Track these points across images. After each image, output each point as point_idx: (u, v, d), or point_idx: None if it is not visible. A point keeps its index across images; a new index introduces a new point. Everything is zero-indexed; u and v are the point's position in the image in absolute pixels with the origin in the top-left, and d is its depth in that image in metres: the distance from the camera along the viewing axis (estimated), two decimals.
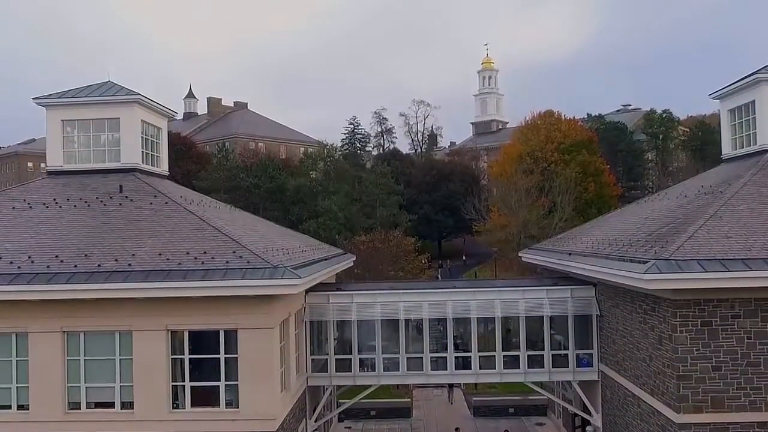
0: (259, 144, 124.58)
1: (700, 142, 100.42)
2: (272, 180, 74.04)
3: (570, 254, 26.11)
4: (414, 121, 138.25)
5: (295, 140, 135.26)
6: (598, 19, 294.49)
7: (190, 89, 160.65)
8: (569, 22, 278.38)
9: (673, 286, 17.29)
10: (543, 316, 24.95)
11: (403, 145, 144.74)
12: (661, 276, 16.99)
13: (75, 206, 23.58)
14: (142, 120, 26.41)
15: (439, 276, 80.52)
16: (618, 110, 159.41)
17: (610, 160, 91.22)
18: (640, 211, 27.15)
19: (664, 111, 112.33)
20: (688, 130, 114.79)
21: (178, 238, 20.97)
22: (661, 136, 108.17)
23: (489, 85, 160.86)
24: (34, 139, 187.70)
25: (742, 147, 27.02)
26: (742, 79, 26.83)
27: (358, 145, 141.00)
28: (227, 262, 19.35)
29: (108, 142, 26.19)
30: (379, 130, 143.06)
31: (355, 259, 36.76)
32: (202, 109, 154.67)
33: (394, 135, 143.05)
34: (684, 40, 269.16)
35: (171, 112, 29.37)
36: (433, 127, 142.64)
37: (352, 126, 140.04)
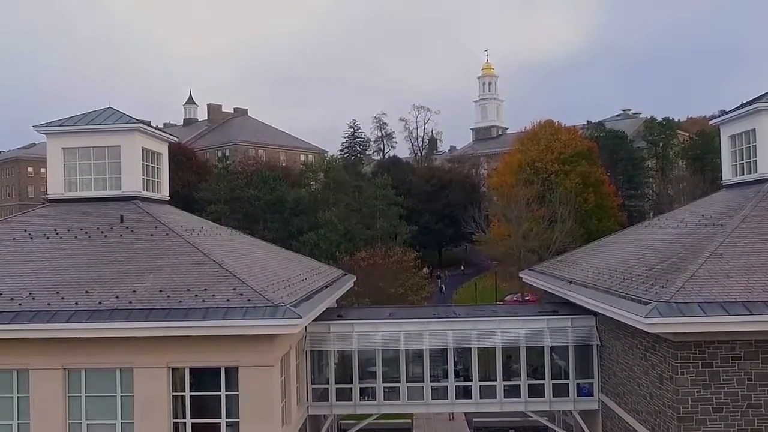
0: (260, 151, 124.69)
1: (700, 150, 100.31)
2: (272, 191, 74.02)
3: (571, 282, 26.12)
4: (414, 126, 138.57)
5: (295, 147, 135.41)
6: (598, 20, 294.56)
7: (190, 95, 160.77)
8: (569, 22, 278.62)
9: (674, 330, 17.32)
10: (544, 346, 24.98)
11: (403, 150, 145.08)
12: (662, 320, 17.02)
13: (76, 237, 23.57)
14: (142, 147, 26.46)
15: (443, 287, 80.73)
16: (618, 115, 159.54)
17: (610, 169, 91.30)
18: (641, 239, 27.12)
19: (664, 118, 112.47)
20: (688, 136, 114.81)
21: (178, 273, 20.97)
22: (661, 144, 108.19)
23: (489, 90, 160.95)
24: (34, 144, 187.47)
25: (743, 174, 27.04)
26: (742, 106, 26.91)
27: (358, 149, 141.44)
28: (228, 300, 19.36)
29: (109, 170, 26.20)
30: (379, 135, 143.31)
31: (355, 279, 36.74)
32: (202, 114, 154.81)
33: (394, 140, 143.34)
34: (684, 41, 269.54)
35: (171, 137, 29.46)
36: (433, 131, 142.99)
37: (351, 130, 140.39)
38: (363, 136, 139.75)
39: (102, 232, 23.76)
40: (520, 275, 37.44)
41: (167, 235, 23.39)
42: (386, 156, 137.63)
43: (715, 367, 17.85)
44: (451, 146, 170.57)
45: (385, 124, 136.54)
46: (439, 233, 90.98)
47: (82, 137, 26.06)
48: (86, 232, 23.81)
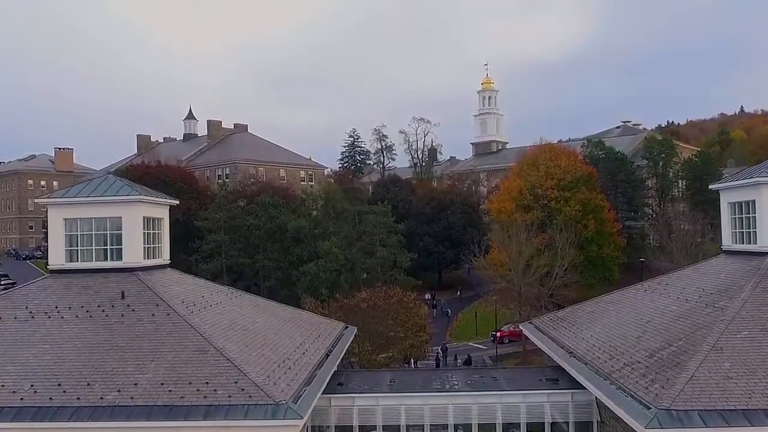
0: (260, 168, 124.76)
1: (700, 171, 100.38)
2: (272, 220, 74.12)
3: (571, 354, 26.19)
4: (414, 139, 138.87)
5: (295, 164, 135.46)
6: (599, 22, 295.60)
7: (190, 110, 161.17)
8: (570, 25, 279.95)
9: None
10: (544, 423, 25.08)
11: (403, 162, 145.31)
12: (662, 431, 17.06)
13: (77, 316, 23.66)
14: (143, 216, 26.58)
15: (449, 311, 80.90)
16: (618, 127, 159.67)
17: (610, 191, 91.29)
18: (641, 309, 27.09)
19: (665, 138, 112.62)
20: (689, 155, 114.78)
21: (180, 362, 21.06)
22: (661, 163, 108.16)
23: (489, 105, 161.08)
24: (34, 156, 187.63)
25: (743, 242, 27.11)
26: (742, 176, 27.03)
27: (358, 158, 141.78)
28: (229, 396, 19.47)
29: (110, 240, 26.30)
30: (379, 147, 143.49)
31: (356, 330, 36.89)
32: (201, 129, 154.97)
33: (394, 152, 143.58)
34: (684, 42, 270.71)
35: (171, 201, 29.51)
36: (433, 142, 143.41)
37: (351, 139, 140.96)
38: (363, 146, 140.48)
39: (103, 311, 23.85)
40: (520, 326, 37.51)
41: (168, 314, 23.48)
42: (386, 168, 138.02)
43: None
44: (451, 156, 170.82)
45: (385, 136, 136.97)
46: (439, 256, 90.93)
47: (83, 208, 26.20)
48: (87, 310, 23.90)
